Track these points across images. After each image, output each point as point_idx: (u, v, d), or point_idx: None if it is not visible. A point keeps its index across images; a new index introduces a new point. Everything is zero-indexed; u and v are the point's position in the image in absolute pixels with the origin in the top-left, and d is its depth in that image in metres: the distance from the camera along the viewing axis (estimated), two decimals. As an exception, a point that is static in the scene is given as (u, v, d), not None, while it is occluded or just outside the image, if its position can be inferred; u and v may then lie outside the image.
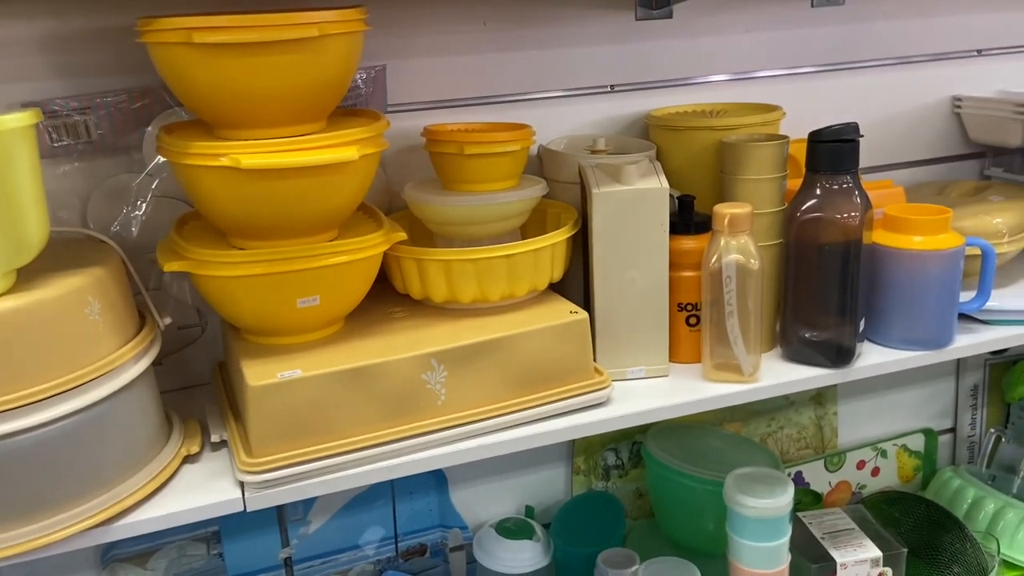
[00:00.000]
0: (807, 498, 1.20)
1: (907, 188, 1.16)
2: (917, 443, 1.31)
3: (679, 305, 0.90)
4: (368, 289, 0.81)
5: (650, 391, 0.87)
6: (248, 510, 0.70)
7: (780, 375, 0.88)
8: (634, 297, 0.86)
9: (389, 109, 0.95)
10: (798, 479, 1.24)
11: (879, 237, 0.91)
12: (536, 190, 0.87)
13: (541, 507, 1.14)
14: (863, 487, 1.29)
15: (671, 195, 0.93)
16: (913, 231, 0.89)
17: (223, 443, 0.78)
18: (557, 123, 1.03)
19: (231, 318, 0.77)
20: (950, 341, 0.93)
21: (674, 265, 0.89)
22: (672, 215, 0.92)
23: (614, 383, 0.87)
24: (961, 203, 1.04)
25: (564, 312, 0.83)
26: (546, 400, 0.80)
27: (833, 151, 0.85)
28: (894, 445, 1.30)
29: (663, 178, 0.85)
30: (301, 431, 0.71)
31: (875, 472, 1.30)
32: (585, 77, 1.03)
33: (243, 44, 0.64)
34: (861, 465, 1.28)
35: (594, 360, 0.87)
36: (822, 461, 1.25)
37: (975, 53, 1.20)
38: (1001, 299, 0.96)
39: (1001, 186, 1.11)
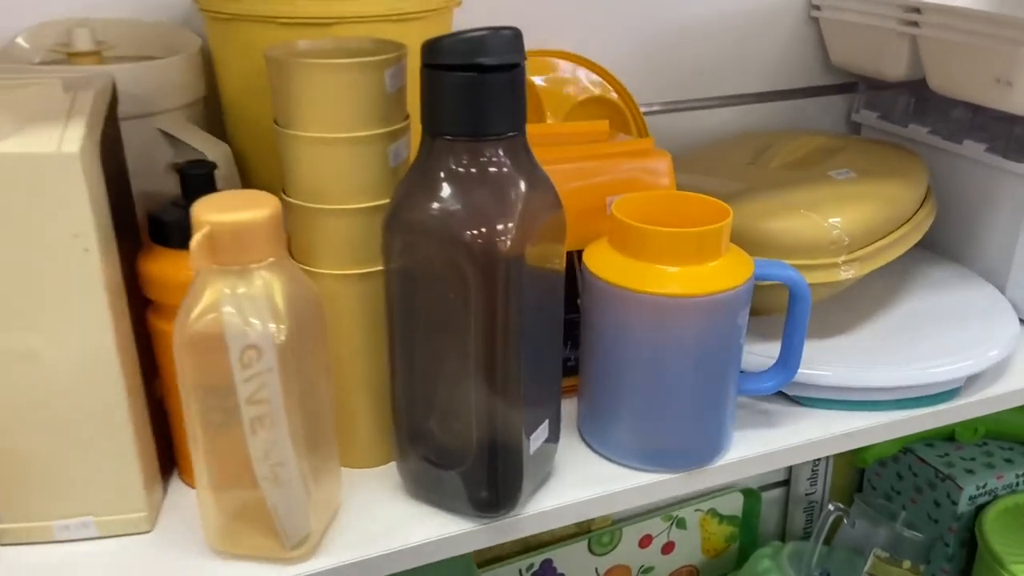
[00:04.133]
0: (549, 608, 0.80)
1: (703, 150, 0.71)
2: (732, 505, 0.91)
3: (186, 386, 0.45)
4: None
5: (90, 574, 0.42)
6: None
7: (367, 539, 0.44)
8: (42, 385, 0.40)
9: None
10: (546, 571, 0.83)
11: (596, 262, 0.47)
12: None
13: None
14: (648, 570, 0.90)
15: (177, 165, 0.46)
16: (653, 253, 0.45)
17: None
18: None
19: None
20: (718, 451, 0.50)
21: (161, 311, 0.43)
22: (160, 212, 0.45)
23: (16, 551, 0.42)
24: (784, 182, 0.60)
25: None
26: None
27: (458, 90, 0.38)
28: (697, 511, 0.89)
29: (76, 132, 0.37)
30: None
31: (668, 548, 0.90)
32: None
33: None
34: (646, 542, 0.88)
35: (-20, 505, 0.42)
36: (586, 541, 0.84)
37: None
38: (822, 363, 0.54)
39: (863, 145, 0.67)
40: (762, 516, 0.94)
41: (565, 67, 0.65)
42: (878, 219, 0.56)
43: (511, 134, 0.40)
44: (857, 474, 0.94)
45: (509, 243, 0.39)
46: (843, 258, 0.54)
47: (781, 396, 0.55)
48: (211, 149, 0.47)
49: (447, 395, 0.43)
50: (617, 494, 0.48)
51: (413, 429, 0.45)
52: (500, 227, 0.39)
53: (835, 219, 0.54)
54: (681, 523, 0.89)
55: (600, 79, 0.66)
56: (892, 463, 0.88)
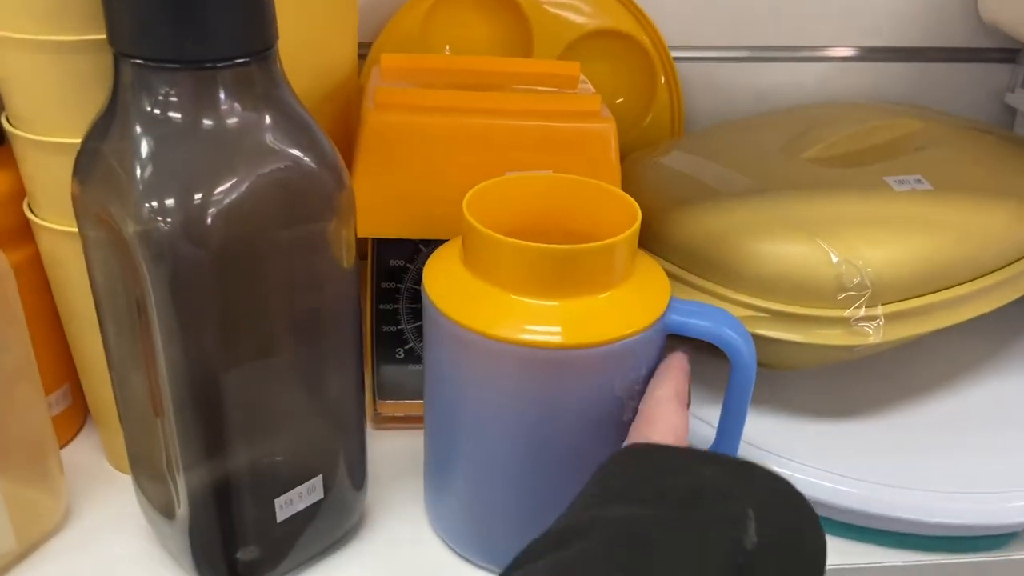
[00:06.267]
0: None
1: (734, 122, 0.52)
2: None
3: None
4: None
5: None
6: None
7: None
8: None
9: None
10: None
11: (436, 276, 0.32)
12: None
13: None
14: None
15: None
16: (507, 274, 0.30)
17: None
18: None
19: None
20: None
21: None
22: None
23: None
24: (810, 183, 0.40)
25: None
26: None
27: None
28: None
29: None
30: None
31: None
32: None
33: None
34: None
35: None
36: None
37: None
38: (806, 457, 0.36)
39: (981, 143, 0.46)
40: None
41: (567, -16, 0.49)
42: (936, 260, 0.37)
43: (240, 61, 0.26)
44: None
45: (212, 222, 0.26)
46: (863, 312, 0.36)
47: (736, 490, 0.38)
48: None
49: (142, 420, 0.31)
50: (429, 587, 0.34)
51: (131, 451, 0.33)
52: (200, 201, 0.26)
53: (860, 253, 0.36)
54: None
55: (619, 4, 0.49)
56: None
